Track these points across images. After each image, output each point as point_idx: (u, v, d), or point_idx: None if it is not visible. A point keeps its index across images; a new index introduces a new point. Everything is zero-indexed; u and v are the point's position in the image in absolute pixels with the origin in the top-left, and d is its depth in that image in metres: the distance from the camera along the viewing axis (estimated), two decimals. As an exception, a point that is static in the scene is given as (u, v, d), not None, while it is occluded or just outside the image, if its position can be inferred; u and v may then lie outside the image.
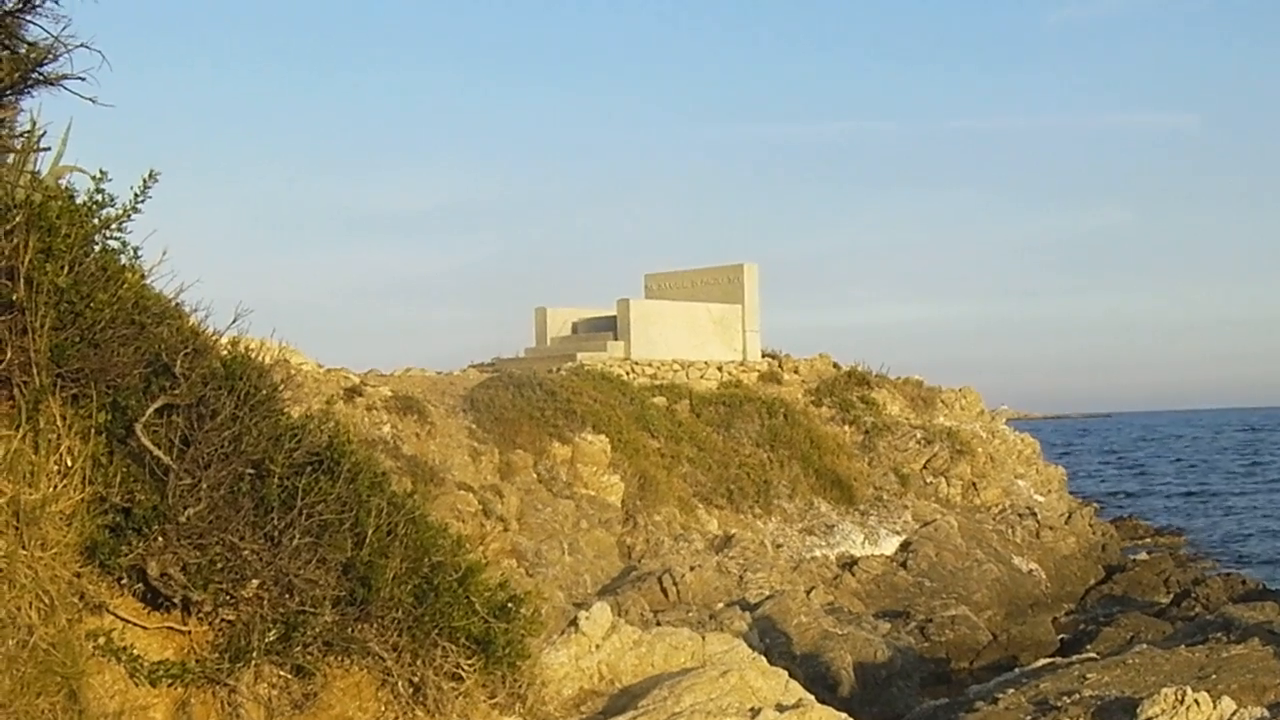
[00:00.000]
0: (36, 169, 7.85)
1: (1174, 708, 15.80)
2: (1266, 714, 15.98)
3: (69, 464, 6.75)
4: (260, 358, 8.00)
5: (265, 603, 7.31)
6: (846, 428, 48.01)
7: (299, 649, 7.42)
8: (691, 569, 32.81)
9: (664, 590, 31.60)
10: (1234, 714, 15.81)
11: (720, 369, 49.09)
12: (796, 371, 51.73)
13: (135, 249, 7.62)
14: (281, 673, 7.45)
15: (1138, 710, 16.15)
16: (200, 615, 7.31)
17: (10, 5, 6.66)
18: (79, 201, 7.36)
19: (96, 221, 7.36)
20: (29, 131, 7.64)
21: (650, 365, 47.19)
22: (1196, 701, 15.82)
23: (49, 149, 8.03)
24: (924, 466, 46.92)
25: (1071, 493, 55.58)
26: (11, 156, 7.46)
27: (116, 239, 7.53)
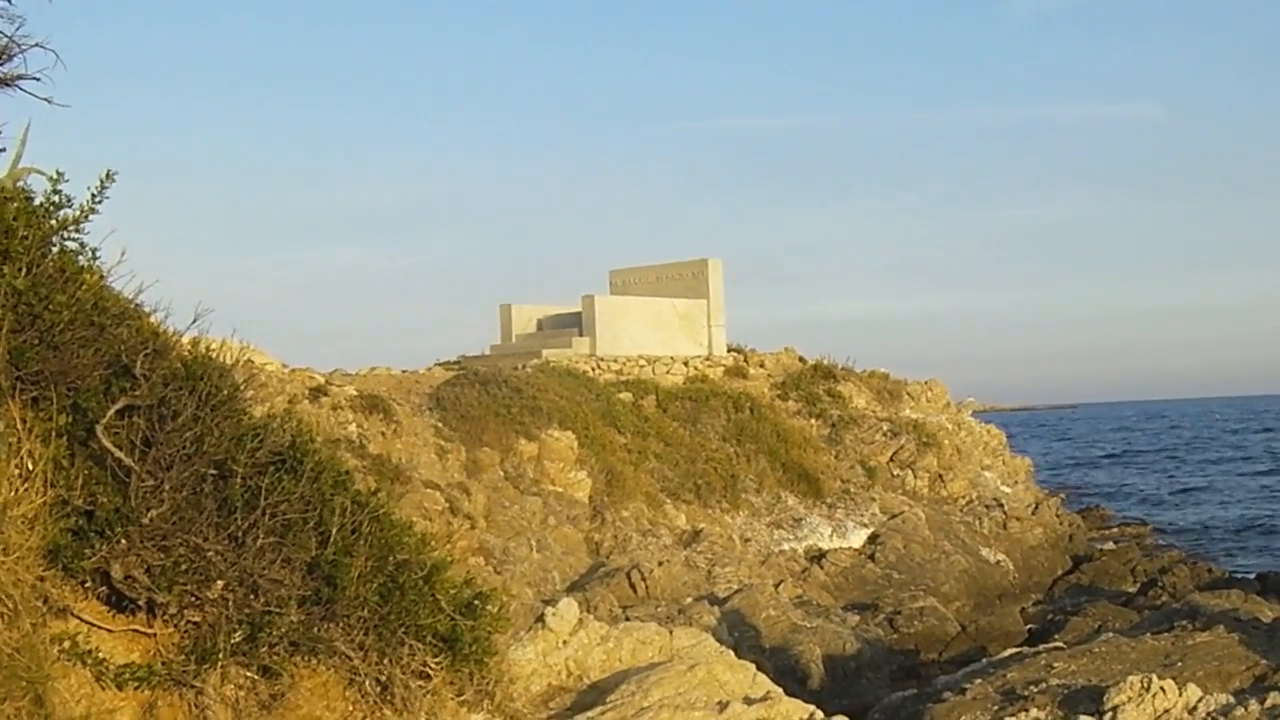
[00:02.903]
0: (-7, 170, 7.81)
1: (1140, 695, 15.87)
2: (1232, 700, 16.04)
3: (30, 467, 6.71)
4: (222, 358, 7.96)
5: (230, 604, 7.27)
6: (813, 421, 48.14)
7: (265, 649, 7.38)
8: (660, 564, 32.83)
9: (632, 585, 31.62)
10: (1199, 701, 15.88)
11: (686, 364, 49.16)
12: (762, 365, 51.82)
13: (94, 250, 7.58)
14: (248, 674, 7.42)
15: (1104, 699, 16.22)
16: (165, 617, 7.27)
17: (-37, 7, 6.63)
18: (36, 203, 7.32)
19: (54, 223, 7.32)
20: (-16, 133, 7.59)
21: (616, 361, 47.24)
22: (1162, 689, 15.89)
23: (4, 150, 7.98)
24: (891, 459, 47.06)
25: (1041, 484, 55.87)
26: (-33, 159, 7.41)
27: (74, 240, 7.50)
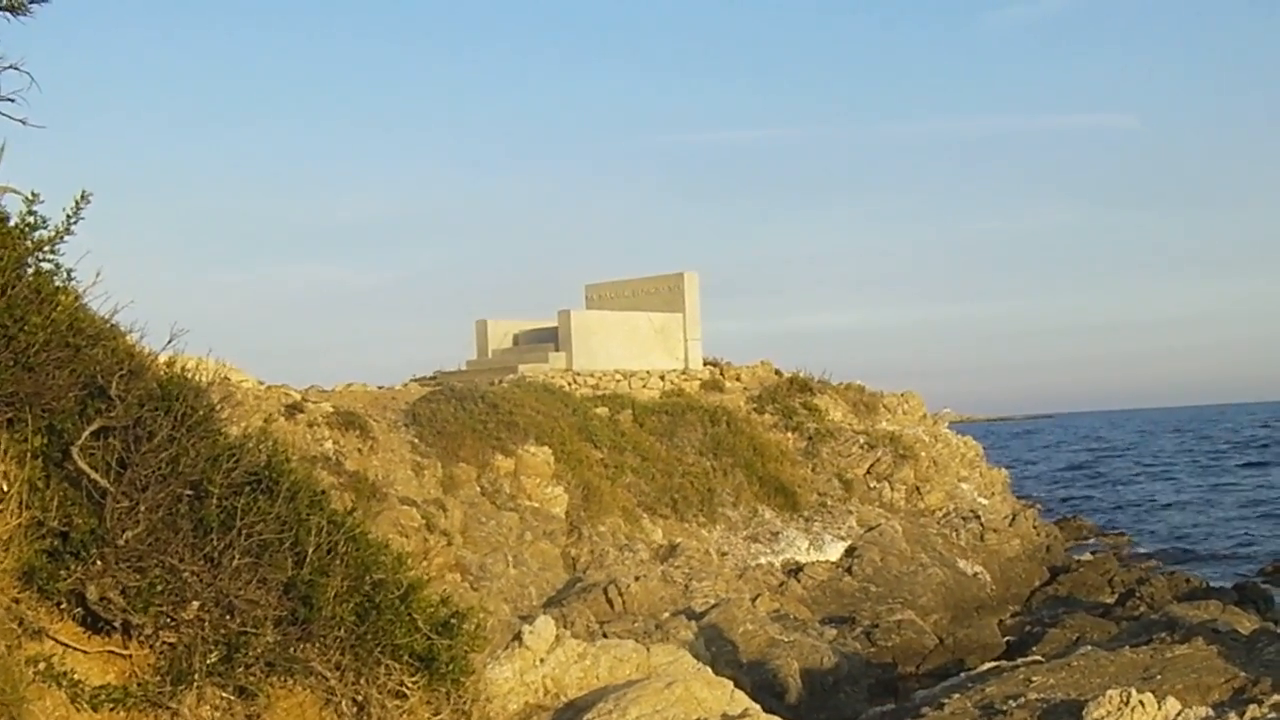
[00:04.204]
0: (-32, 192, 7.79)
1: (1119, 709, 15.90)
2: (1211, 714, 16.08)
3: (4, 489, 6.70)
4: (197, 377, 7.96)
5: (206, 624, 7.27)
6: (789, 434, 48.12)
7: (241, 670, 7.38)
8: (637, 579, 32.80)
9: (609, 601, 31.58)
10: (1179, 714, 15.91)
11: (662, 378, 49.16)
12: (738, 379, 51.83)
13: (69, 270, 7.57)
14: (224, 694, 7.41)
15: (1083, 712, 16.24)
16: (141, 638, 7.27)
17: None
18: (11, 224, 7.31)
19: (29, 244, 7.31)
20: (-42, 156, 7.58)
21: (592, 375, 47.23)
22: (1141, 703, 15.92)
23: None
24: (867, 472, 47.07)
25: (1020, 497, 55.94)
26: (-58, 180, 7.39)
27: (50, 261, 7.48)
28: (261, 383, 35.38)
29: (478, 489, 36.02)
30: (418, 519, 31.51)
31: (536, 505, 36.60)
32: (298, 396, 35.56)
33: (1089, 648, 23.18)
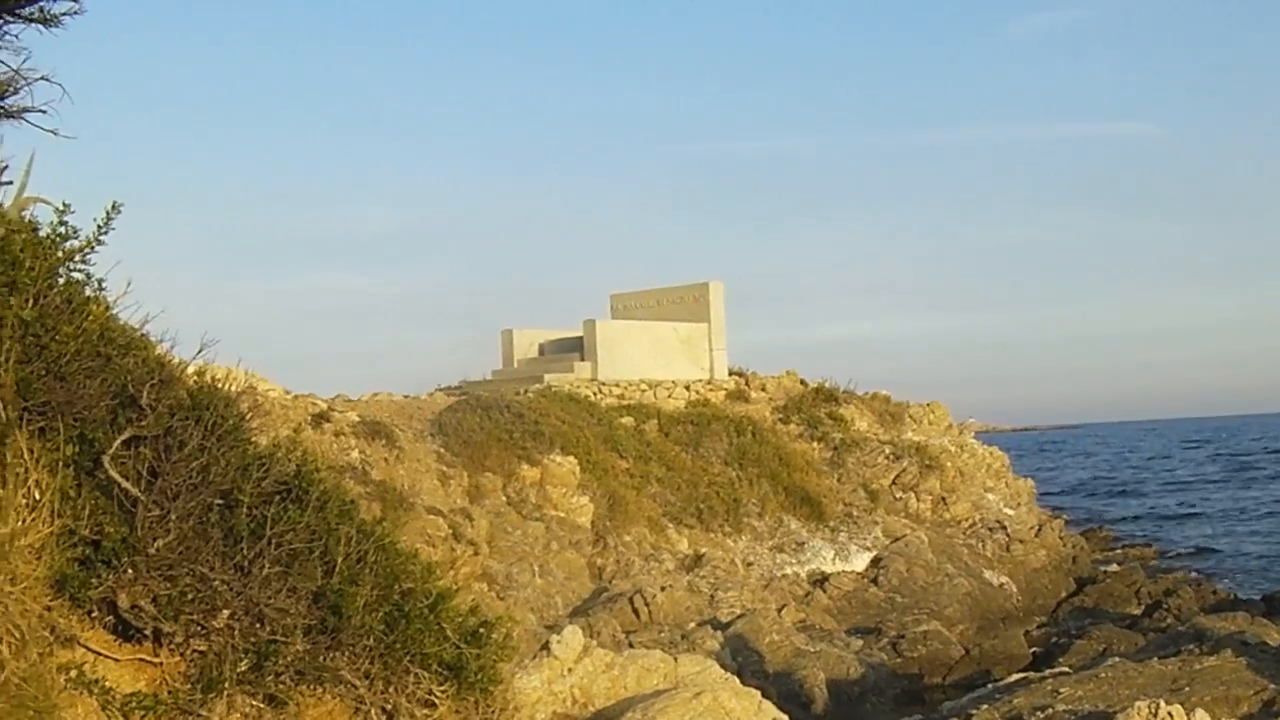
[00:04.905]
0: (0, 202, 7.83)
1: (1147, 721, 15.85)
2: (1239, 725, 16.03)
3: (37, 497, 6.73)
4: (227, 386, 7.98)
5: (236, 633, 7.29)
6: (815, 444, 48.08)
7: (271, 678, 7.40)
8: (662, 589, 32.82)
9: (635, 611, 31.59)
10: (1207, 726, 15.86)
11: (688, 388, 49.13)
12: (764, 389, 51.79)
13: (100, 280, 7.61)
14: (254, 702, 7.43)
15: (1111, 724, 16.19)
16: (172, 646, 7.29)
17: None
18: (42, 234, 7.34)
19: (60, 254, 7.35)
20: (-10, 165, 7.62)
21: (618, 385, 47.21)
22: (1170, 715, 15.86)
23: (10, 182, 8.01)
24: (893, 482, 46.99)
25: (1046, 507, 55.79)
26: (-27, 191, 7.43)
27: (81, 271, 7.52)
28: (288, 392, 35.46)
29: (504, 498, 36.06)
30: (444, 528, 31.54)
31: (562, 515, 36.61)
32: (324, 406, 35.63)
33: (1116, 659, 23.13)
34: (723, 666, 14.57)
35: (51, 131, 7.06)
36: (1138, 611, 38.05)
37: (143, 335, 7.90)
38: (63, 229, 7.37)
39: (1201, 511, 73.73)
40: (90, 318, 7.31)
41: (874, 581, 39.13)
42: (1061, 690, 20.01)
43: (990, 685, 23.91)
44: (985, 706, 20.19)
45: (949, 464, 48.70)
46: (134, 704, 6.99)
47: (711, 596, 34.12)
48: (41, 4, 7.18)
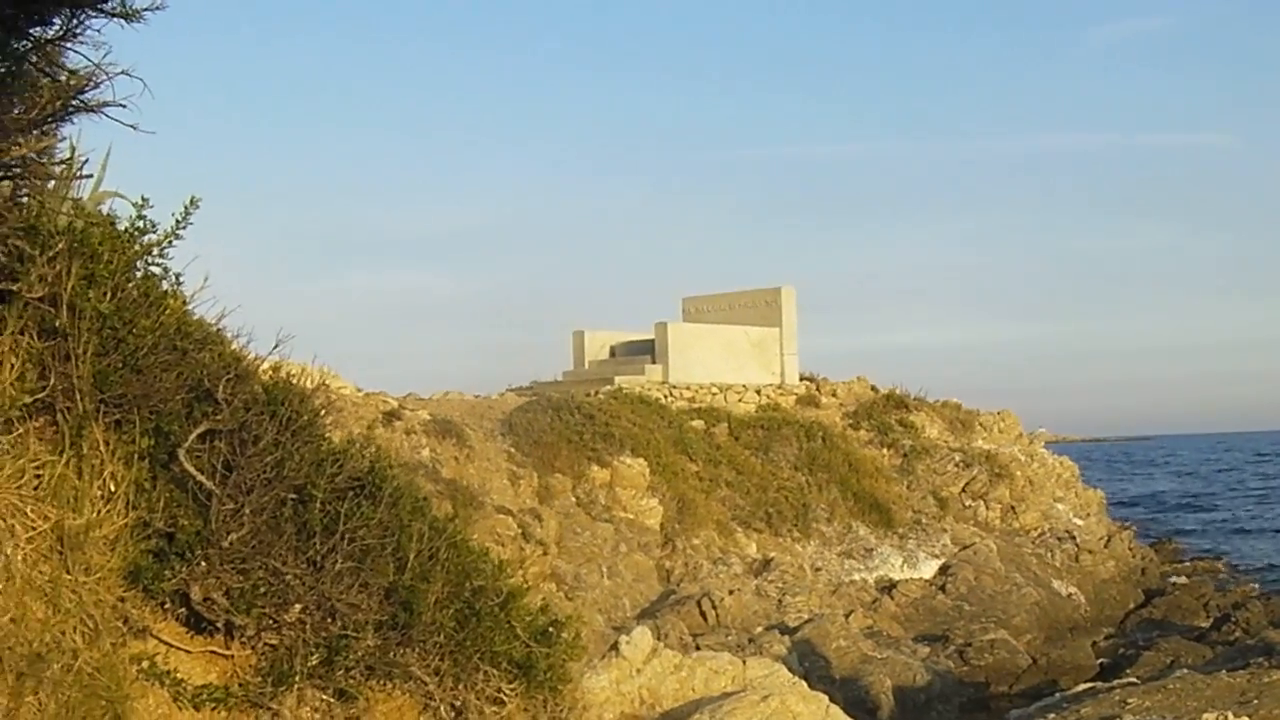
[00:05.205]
0: (78, 196, 7.88)
1: (1216, 733, 15.76)
2: (1308, 739, 15.92)
3: (112, 489, 6.77)
4: (301, 382, 8.02)
5: (308, 627, 7.32)
6: (885, 451, 47.96)
7: (341, 673, 7.43)
8: (730, 592, 32.82)
9: (703, 614, 31.60)
10: (1276, 739, 15.76)
11: (758, 392, 49.07)
12: (834, 394, 51.70)
13: (177, 275, 7.65)
14: (324, 696, 7.46)
15: (1179, 735, 16.11)
16: (243, 639, 7.33)
17: (52, 34, 6.68)
18: (121, 228, 7.39)
19: (138, 247, 7.39)
20: (69, 159, 7.67)
21: (688, 388, 47.18)
22: (1238, 726, 15.77)
23: (90, 176, 8.07)
24: (963, 490, 46.82)
25: (1113, 518, 55.43)
26: (52, 183, 7.48)
27: (158, 265, 7.56)
28: (359, 390, 35.59)
29: (573, 499, 36.09)
30: (514, 528, 31.61)
31: (631, 517, 36.63)
32: (395, 404, 35.74)
33: (1185, 671, 23.00)
34: (789, 671, 14.54)
35: (131, 126, 7.08)
36: (1206, 624, 37.76)
37: (218, 330, 7.95)
38: (141, 223, 7.41)
39: (1271, 526, 73.14)
40: (167, 312, 7.36)
41: (941, 589, 38.99)
42: (1129, 701, 19.89)
43: (1057, 694, 23.79)
44: (1052, 716, 20.09)
45: (1019, 473, 48.49)
46: (205, 696, 7.04)
47: (779, 601, 34.09)
48: (124, -2, 7.21)
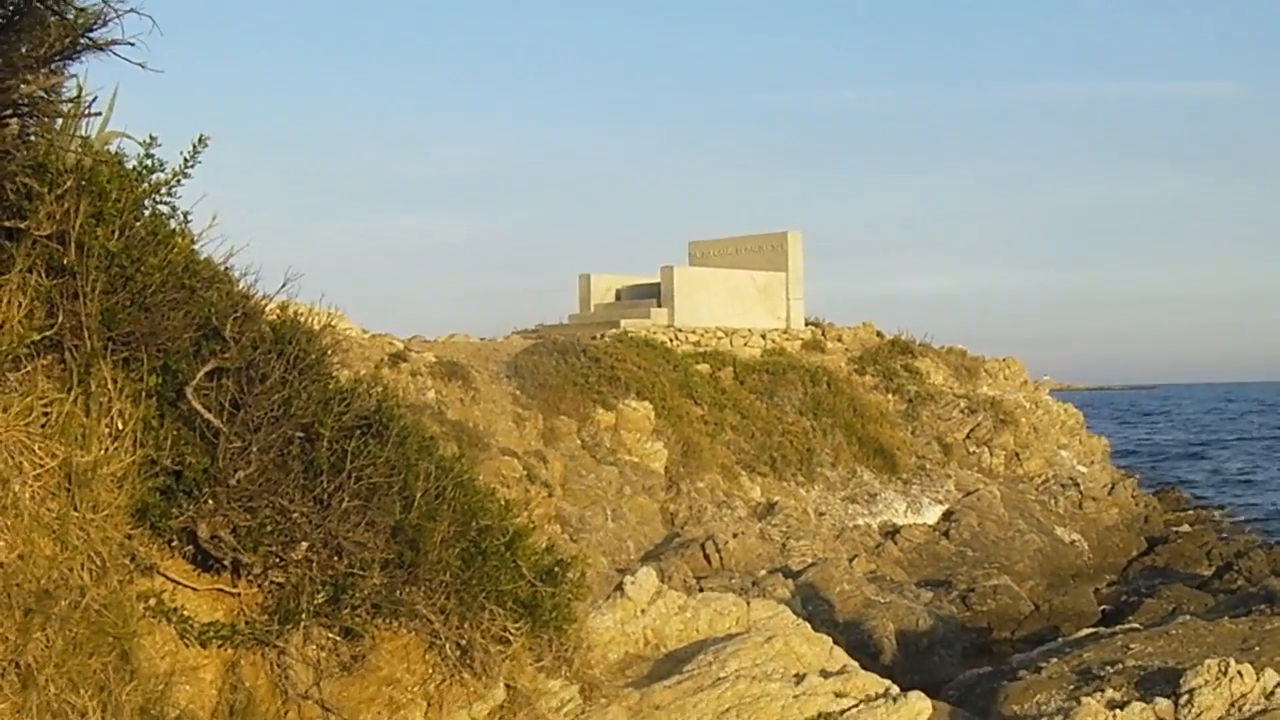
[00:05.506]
0: (86, 134, 7.87)
1: (1217, 679, 15.81)
2: (1309, 685, 15.96)
3: (120, 427, 6.78)
4: (309, 322, 8.03)
5: (314, 565, 7.35)
6: (890, 396, 47.98)
7: (347, 611, 7.46)
8: (734, 536, 32.88)
9: (707, 557, 31.68)
10: (1277, 685, 15.80)
11: (764, 336, 49.05)
12: (840, 340, 51.70)
13: (185, 214, 7.64)
14: (330, 634, 7.50)
15: (1181, 681, 16.15)
16: (250, 577, 7.36)
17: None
18: (129, 166, 7.38)
19: (146, 186, 7.38)
20: (77, 97, 7.65)
21: (694, 332, 47.17)
22: (1240, 673, 15.83)
23: (98, 114, 8.05)
24: (967, 436, 46.86)
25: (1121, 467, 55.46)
26: (60, 122, 7.46)
27: (166, 204, 7.55)
28: (365, 331, 35.59)
29: (578, 442, 36.13)
30: (519, 469, 31.67)
31: (636, 460, 36.67)
32: (401, 346, 35.78)
33: (1187, 617, 23.06)
34: (793, 614, 14.58)
35: (139, 65, 7.06)
36: (1208, 572, 37.83)
37: (226, 269, 7.94)
38: (149, 162, 7.40)
39: (1275, 475, 73.12)
40: (175, 250, 7.35)
41: (945, 535, 39.08)
42: (1132, 646, 19.97)
43: (1060, 639, 23.88)
44: (1055, 660, 20.16)
45: (1023, 420, 48.53)
46: (211, 633, 7.07)
47: (783, 545, 34.14)
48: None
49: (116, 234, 6.91)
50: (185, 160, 7.52)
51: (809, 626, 13.62)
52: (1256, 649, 18.97)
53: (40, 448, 6.32)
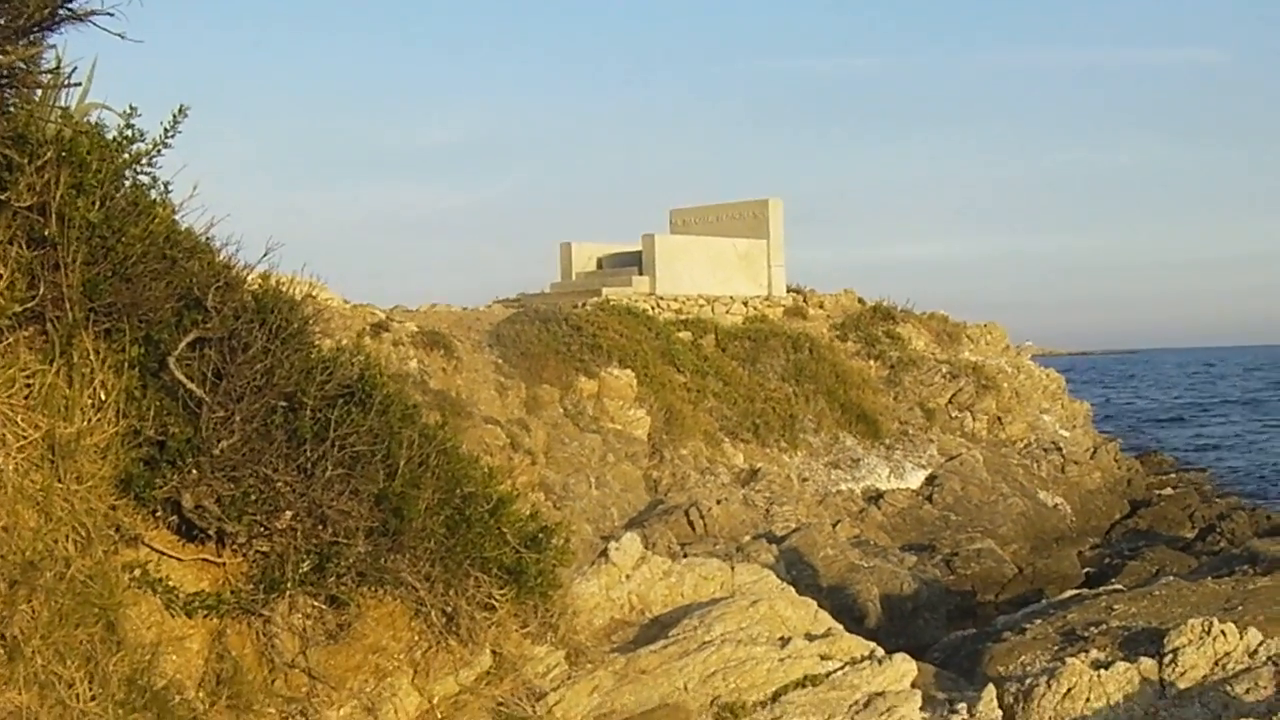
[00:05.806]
0: (66, 105, 7.85)
1: (1201, 638, 15.87)
2: (1293, 644, 16.03)
3: (103, 398, 6.79)
4: (291, 292, 8.02)
5: (299, 534, 7.37)
6: (872, 362, 48.01)
7: (333, 579, 7.48)
8: (718, 502, 32.92)
9: (691, 523, 31.71)
10: (1260, 644, 15.87)
11: (745, 304, 49.05)
12: (821, 306, 51.72)
13: (166, 184, 7.64)
14: (315, 603, 7.52)
15: (1165, 641, 16.21)
16: (234, 547, 7.37)
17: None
18: (109, 137, 7.37)
19: (127, 157, 7.38)
20: (56, 68, 7.63)
21: (675, 300, 47.16)
22: (1223, 632, 15.89)
23: (78, 85, 8.03)
24: (949, 401, 46.91)
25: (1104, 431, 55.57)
26: (40, 93, 7.45)
27: (147, 174, 7.55)
28: (346, 301, 35.55)
29: (561, 410, 36.14)
30: (502, 438, 31.69)
31: (619, 427, 36.69)
32: (382, 316, 35.75)
33: (1170, 578, 23.15)
34: (778, 578, 14.61)
35: (119, 35, 7.05)
36: (1191, 535, 37.97)
37: (207, 240, 7.94)
38: (129, 132, 7.39)
39: (1258, 437, 73.33)
40: (156, 221, 7.36)
41: (928, 499, 39.15)
42: (1115, 607, 20.03)
43: (1044, 601, 23.95)
44: (1039, 621, 20.24)
45: (1005, 384, 48.60)
46: (197, 603, 7.09)
47: (766, 511, 34.20)
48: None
49: (97, 205, 6.91)
50: (165, 131, 7.51)
51: (794, 591, 13.66)
52: (1240, 608, 19.05)
53: (23, 419, 6.33)
